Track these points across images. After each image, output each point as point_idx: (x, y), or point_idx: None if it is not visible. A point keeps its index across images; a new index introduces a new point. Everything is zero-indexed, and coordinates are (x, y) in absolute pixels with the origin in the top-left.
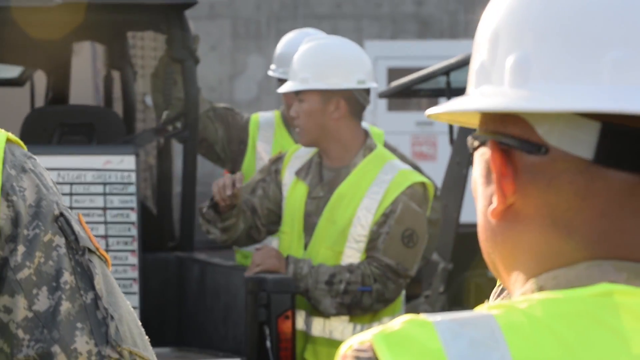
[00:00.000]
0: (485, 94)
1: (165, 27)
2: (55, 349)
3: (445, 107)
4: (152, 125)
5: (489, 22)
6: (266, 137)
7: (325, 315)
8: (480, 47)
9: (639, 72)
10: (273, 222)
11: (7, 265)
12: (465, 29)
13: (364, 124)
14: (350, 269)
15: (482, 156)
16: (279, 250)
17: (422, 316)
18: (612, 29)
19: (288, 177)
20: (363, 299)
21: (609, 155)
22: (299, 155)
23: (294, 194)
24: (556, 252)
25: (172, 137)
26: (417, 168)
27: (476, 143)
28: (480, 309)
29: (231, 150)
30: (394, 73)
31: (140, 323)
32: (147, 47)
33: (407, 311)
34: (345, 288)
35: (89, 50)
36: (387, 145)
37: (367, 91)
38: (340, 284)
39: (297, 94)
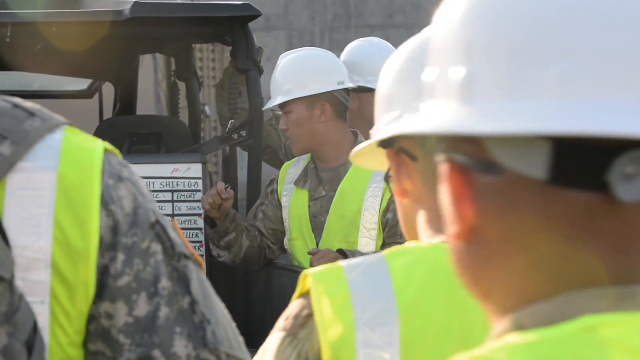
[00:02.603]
0: (433, 111)
1: (230, 39)
2: (156, 352)
3: (396, 129)
4: (212, 134)
5: (437, 32)
6: None
7: None
8: (430, 58)
9: (585, 84)
10: (281, 239)
11: (108, 272)
12: None
13: None
14: None
15: (444, 175)
16: (332, 250)
17: None
18: (558, 42)
19: (286, 189)
20: None
21: (564, 175)
22: (291, 170)
23: (296, 201)
24: (527, 282)
25: (237, 145)
26: None
27: (440, 159)
28: None
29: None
30: None
31: (234, 325)
32: (205, 59)
33: None
34: None
35: (150, 61)
36: None
37: (347, 92)
38: None
39: (283, 107)
